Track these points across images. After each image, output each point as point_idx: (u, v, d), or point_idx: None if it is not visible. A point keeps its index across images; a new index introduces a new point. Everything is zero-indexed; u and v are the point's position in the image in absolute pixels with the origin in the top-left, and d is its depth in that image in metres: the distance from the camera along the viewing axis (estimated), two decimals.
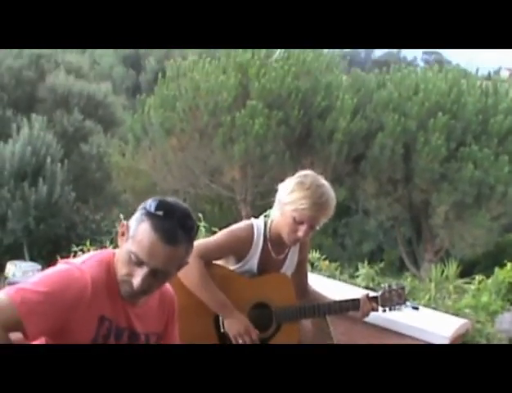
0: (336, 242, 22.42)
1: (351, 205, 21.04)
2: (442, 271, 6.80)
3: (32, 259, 17.90)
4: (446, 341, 3.96)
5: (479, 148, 16.99)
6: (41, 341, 2.27)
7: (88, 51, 46.85)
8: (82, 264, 2.30)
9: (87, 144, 23.79)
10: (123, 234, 2.31)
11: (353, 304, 3.57)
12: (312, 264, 4.78)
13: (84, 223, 20.70)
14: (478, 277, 6.19)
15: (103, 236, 15.93)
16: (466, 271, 7.67)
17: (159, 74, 19.73)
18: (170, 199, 2.34)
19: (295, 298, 3.52)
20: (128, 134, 20.62)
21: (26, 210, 18.67)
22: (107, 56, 46.70)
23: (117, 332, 2.33)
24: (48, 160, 19.33)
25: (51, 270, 2.27)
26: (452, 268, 6.78)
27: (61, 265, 2.30)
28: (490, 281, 6.31)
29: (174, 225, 2.23)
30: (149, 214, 2.25)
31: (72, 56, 31.82)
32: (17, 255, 17.66)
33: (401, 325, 4.05)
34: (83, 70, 30.43)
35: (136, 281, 2.24)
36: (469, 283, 6.39)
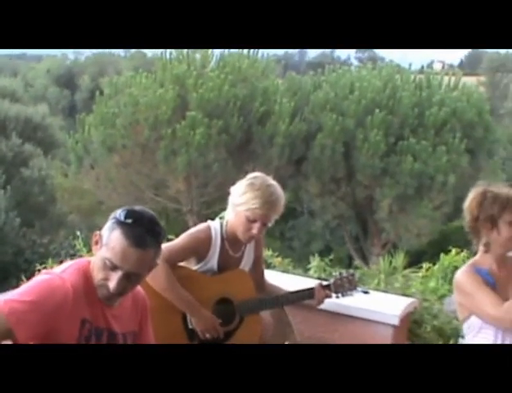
0: (284, 245, 22.61)
1: (296, 206, 21.29)
2: (390, 262, 6.94)
3: None
4: (397, 320, 4.20)
5: (417, 141, 17.41)
6: None
7: (21, 73, 46.44)
8: (62, 272, 2.49)
9: (28, 168, 23.60)
10: (96, 243, 2.50)
11: (308, 293, 3.80)
12: (266, 262, 4.95)
13: (32, 247, 20.58)
14: (425, 265, 6.25)
15: (52, 258, 15.84)
16: (414, 261, 7.76)
17: (97, 92, 19.71)
18: (138, 208, 2.54)
19: (255, 292, 3.74)
20: (70, 154, 20.51)
21: None
22: (40, 78, 46.36)
23: (97, 332, 2.51)
24: None
25: (34, 280, 2.45)
26: (400, 259, 6.84)
27: (43, 275, 2.49)
28: (436, 267, 6.49)
29: (143, 231, 2.43)
30: (119, 223, 2.44)
31: (5, 80, 31.52)
32: None
33: (353, 309, 4.27)
34: (17, 94, 30.15)
35: (112, 284, 2.44)
36: (417, 272, 6.51)
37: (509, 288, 3.24)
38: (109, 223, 2.48)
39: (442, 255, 6.80)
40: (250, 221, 3.49)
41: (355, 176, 18.11)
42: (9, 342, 2.33)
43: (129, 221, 2.44)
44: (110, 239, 2.44)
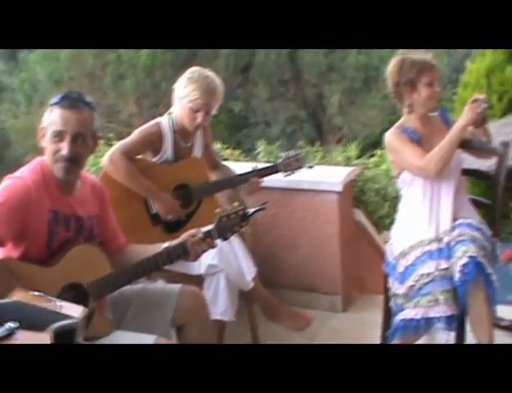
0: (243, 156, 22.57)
1: (249, 115, 21.43)
2: (343, 152, 7.06)
3: None
4: (340, 186, 4.57)
5: None
6: (8, 249, 2.77)
7: None
8: (20, 173, 2.81)
9: None
10: (43, 136, 2.82)
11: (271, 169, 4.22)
12: (217, 154, 5.18)
13: None
14: (378, 152, 6.47)
15: None
16: (369, 152, 7.73)
17: None
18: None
19: (208, 176, 4.12)
20: (18, 95, 20.39)
21: None
22: None
23: (65, 219, 2.84)
24: None
25: None
26: (352, 149, 7.01)
27: (5, 181, 2.79)
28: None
29: (74, 99, 2.80)
30: (54, 104, 2.80)
31: None
32: None
33: (301, 183, 4.63)
34: None
35: (65, 150, 2.75)
36: (371, 159, 6.54)
37: (433, 143, 3.57)
38: (46, 113, 2.82)
39: None
40: (194, 111, 3.85)
41: (302, 76, 18.32)
42: None
43: (61, 98, 2.79)
44: (51, 118, 2.78)
